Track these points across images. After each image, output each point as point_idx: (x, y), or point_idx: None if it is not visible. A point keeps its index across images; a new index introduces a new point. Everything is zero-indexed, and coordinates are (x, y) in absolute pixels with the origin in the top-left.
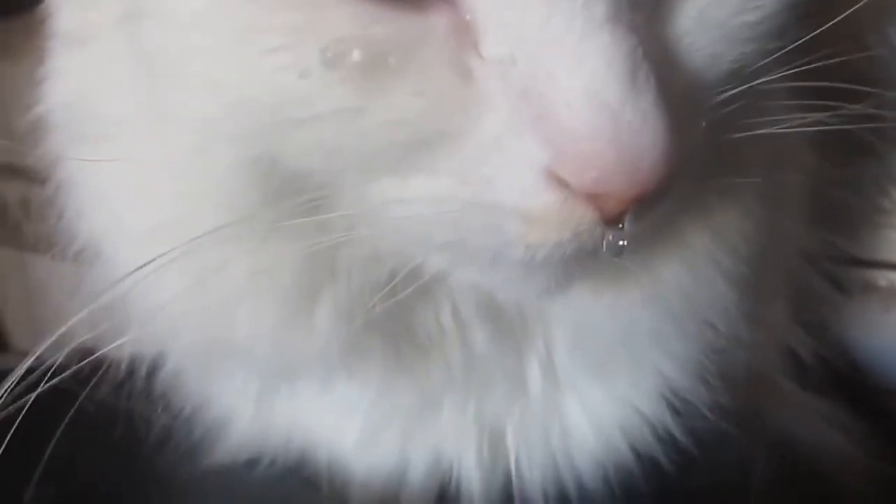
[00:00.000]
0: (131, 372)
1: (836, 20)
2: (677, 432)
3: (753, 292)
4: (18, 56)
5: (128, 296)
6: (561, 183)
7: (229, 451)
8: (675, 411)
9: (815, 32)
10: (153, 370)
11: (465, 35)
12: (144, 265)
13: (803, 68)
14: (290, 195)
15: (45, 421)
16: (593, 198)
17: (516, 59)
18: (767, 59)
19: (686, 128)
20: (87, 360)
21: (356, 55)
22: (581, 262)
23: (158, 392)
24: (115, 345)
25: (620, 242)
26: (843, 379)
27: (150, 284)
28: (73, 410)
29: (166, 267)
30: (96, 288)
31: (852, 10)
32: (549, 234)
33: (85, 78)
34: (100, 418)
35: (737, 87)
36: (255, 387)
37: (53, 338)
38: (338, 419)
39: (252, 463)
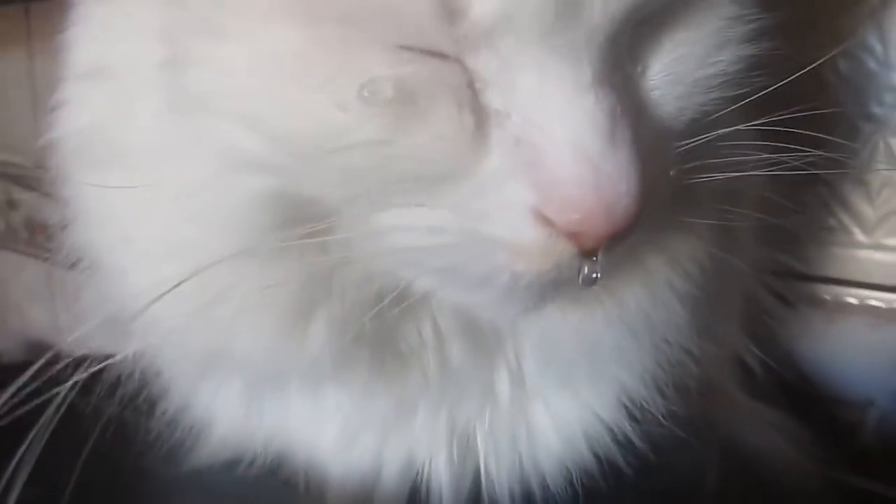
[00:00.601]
0: (121, 377)
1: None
2: (635, 438)
3: (705, 310)
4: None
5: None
6: (546, 221)
7: (211, 452)
8: (633, 418)
9: (779, 84)
10: (145, 377)
11: (473, 86)
12: (165, 292)
13: (766, 119)
14: (301, 221)
15: (32, 423)
16: (574, 235)
17: (511, 113)
18: (731, 107)
19: (654, 171)
20: (85, 370)
21: (389, 92)
22: (557, 288)
23: (145, 396)
24: (117, 358)
25: (594, 276)
26: (789, 388)
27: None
28: (60, 413)
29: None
30: (96, 298)
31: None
32: (532, 265)
33: (104, 108)
34: (87, 420)
35: (701, 137)
36: (242, 392)
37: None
38: (317, 423)
39: (232, 464)
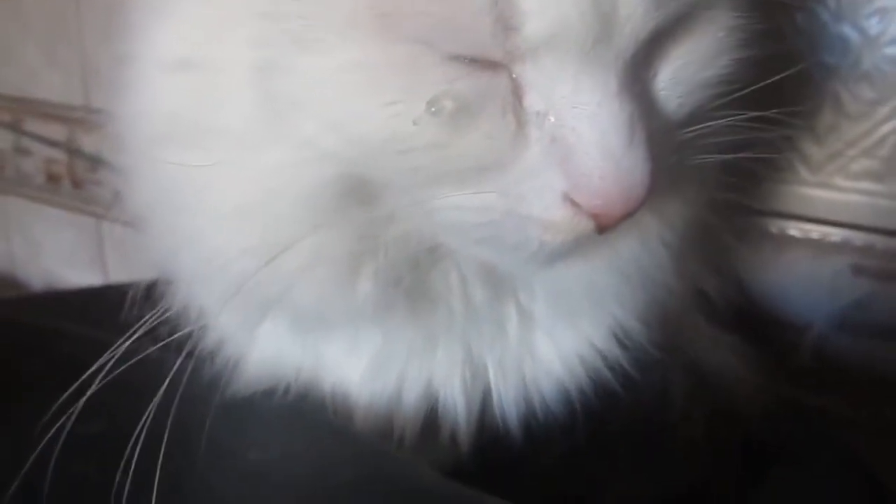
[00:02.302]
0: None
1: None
2: (623, 362)
3: (681, 252)
4: None
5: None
6: (574, 204)
7: (246, 383)
8: (623, 346)
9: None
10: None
11: (516, 92)
12: (272, 258)
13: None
14: (366, 201)
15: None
16: (595, 215)
17: (549, 115)
18: (722, 101)
19: (661, 159)
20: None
21: (449, 105)
22: (571, 252)
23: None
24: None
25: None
26: (742, 314)
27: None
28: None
29: (247, 245)
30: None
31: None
32: (558, 236)
33: (192, 98)
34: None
35: (699, 127)
36: (284, 330)
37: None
38: (348, 355)
39: (267, 393)
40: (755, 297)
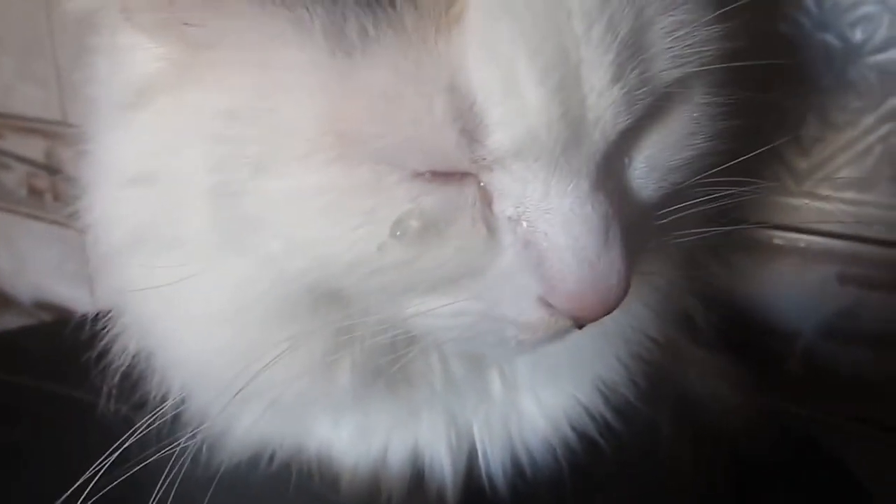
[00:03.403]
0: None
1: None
2: (606, 412)
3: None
4: None
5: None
6: (549, 305)
7: (230, 454)
8: (605, 397)
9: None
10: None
11: (486, 199)
12: (261, 369)
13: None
14: (338, 310)
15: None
16: (573, 317)
17: (521, 220)
18: (702, 175)
19: (639, 249)
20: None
21: (415, 224)
22: (550, 342)
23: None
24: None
25: None
26: (727, 327)
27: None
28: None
29: (220, 350)
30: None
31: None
32: (536, 335)
33: (154, 210)
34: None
35: (678, 205)
36: (265, 414)
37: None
38: (332, 429)
39: (254, 462)
40: (743, 306)
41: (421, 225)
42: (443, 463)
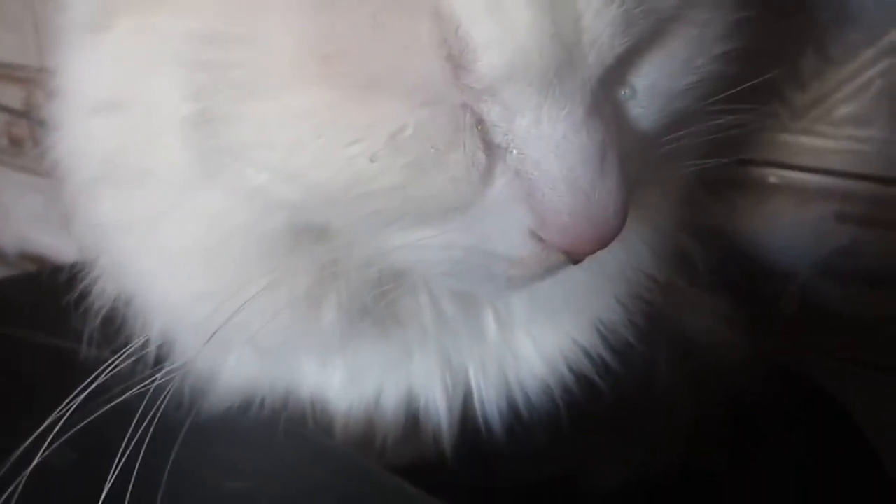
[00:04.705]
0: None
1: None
2: (605, 353)
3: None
4: None
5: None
6: (541, 239)
7: (219, 399)
8: (603, 337)
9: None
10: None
11: (476, 126)
12: (237, 310)
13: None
14: (322, 243)
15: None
16: (567, 252)
17: (512, 148)
18: (705, 102)
19: (635, 178)
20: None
21: (413, 138)
22: (544, 279)
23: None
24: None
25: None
26: (724, 267)
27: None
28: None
29: (200, 291)
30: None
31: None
32: (527, 271)
33: (125, 139)
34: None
35: (680, 133)
36: (253, 357)
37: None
38: (323, 372)
39: (244, 408)
40: (739, 246)
41: (418, 141)
42: (438, 406)
